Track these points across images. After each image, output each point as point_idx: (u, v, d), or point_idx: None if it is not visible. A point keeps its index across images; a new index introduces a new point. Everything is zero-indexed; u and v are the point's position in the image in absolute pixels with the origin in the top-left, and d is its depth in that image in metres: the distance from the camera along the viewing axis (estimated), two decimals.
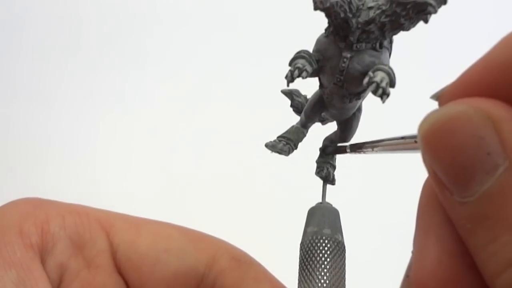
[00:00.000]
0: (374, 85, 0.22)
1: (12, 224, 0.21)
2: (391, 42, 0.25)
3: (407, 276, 0.17)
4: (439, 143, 0.14)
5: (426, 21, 0.22)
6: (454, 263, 0.14)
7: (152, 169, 0.74)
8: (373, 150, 0.23)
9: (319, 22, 0.25)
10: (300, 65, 0.24)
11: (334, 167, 0.29)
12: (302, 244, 0.26)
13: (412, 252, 0.16)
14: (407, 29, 0.23)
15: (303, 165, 0.29)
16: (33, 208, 0.23)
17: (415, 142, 0.19)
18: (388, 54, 0.25)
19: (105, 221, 0.24)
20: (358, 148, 0.25)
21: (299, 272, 0.25)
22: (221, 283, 0.24)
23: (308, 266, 0.24)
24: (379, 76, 0.22)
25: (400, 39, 0.25)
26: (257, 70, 0.75)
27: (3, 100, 0.78)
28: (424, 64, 0.73)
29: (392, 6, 0.22)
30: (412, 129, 0.19)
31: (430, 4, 0.22)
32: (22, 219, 0.22)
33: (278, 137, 0.28)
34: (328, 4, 0.22)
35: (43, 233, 0.22)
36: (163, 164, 0.74)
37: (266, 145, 0.28)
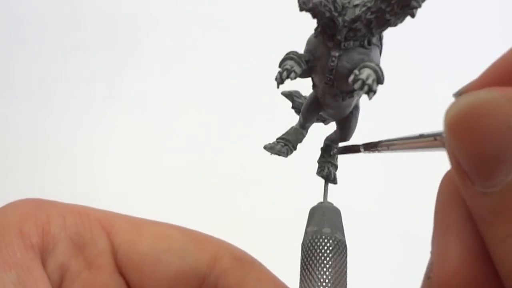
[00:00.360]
0: (359, 82, 0.22)
1: (13, 224, 0.21)
2: (380, 39, 0.25)
3: (428, 277, 0.16)
4: (466, 129, 0.13)
5: (412, 16, 0.22)
6: (476, 262, 0.14)
7: (151, 169, 0.74)
8: (388, 148, 0.23)
9: (313, 21, 0.24)
10: (288, 66, 0.24)
11: (336, 167, 0.29)
12: (302, 244, 0.26)
13: (431, 253, 0.16)
14: (394, 24, 0.23)
15: (307, 164, 0.29)
16: (34, 208, 0.23)
17: (435, 139, 0.18)
18: (378, 51, 0.25)
19: (106, 221, 0.24)
20: (372, 147, 0.24)
21: (300, 272, 0.25)
22: (223, 284, 0.24)
23: (308, 266, 0.24)
24: (365, 73, 0.22)
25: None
26: (255, 69, 0.75)
27: (2, 100, 0.78)
28: (439, 62, 0.73)
29: (377, 3, 0.22)
30: (423, 128, 0.19)
31: None
32: (22, 219, 0.22)
33: (277, 139, 0.28)
34: (311, 5, 0.22)
35: (43, 234, 0.22)
36: (163, 164, 0.74)
37: (265, 147, 0.28)
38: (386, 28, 0.23)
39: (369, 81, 0.22)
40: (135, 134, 0.76)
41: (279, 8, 0.75)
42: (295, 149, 0.28)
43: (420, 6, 0.22)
